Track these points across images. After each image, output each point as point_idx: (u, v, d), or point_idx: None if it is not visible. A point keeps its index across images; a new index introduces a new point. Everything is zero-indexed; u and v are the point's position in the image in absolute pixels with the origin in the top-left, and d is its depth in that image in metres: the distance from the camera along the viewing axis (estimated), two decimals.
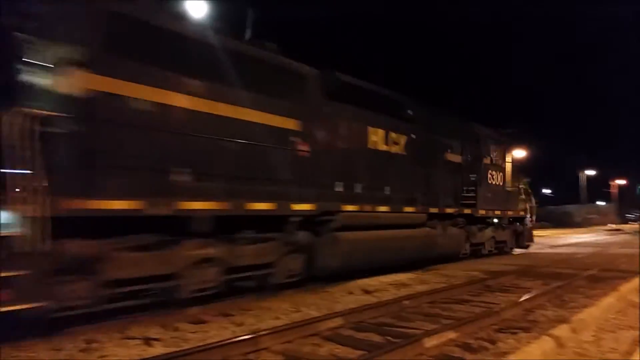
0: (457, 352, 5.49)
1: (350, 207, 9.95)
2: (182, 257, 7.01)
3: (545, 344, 5.32)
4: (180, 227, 6.90)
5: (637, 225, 70.88)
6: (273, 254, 8.51)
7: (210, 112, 7.42)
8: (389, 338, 6.01)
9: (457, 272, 12.19)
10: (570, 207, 67.12)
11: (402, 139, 11.86)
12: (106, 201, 5.97)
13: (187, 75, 7.15)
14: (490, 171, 15.91)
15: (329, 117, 9.86)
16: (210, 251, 7.40)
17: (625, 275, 11.48)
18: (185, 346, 5.52)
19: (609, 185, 73.94)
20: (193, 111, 7.17)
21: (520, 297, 8.60)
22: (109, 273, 6.13)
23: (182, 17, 8.45)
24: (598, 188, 74.52)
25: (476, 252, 15.69)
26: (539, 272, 12.33)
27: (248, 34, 8.74)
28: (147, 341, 5.73)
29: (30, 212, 5.18)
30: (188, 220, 6.97)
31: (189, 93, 7.14)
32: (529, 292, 9.47)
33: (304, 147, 9.03)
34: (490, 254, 16.37)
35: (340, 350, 5.59)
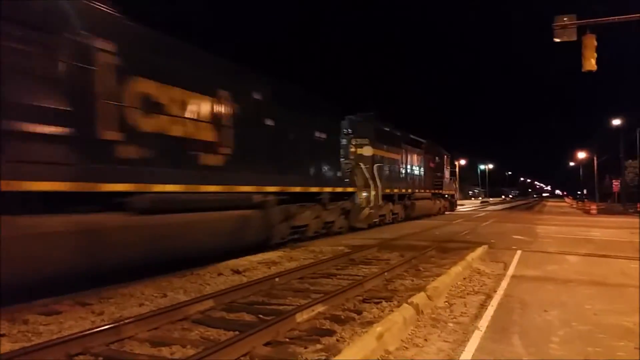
0: (327, 324, 5.67)
1: (417, 190, 25.00)
2: (387, 209, 21.33)
3: (405, 311, 5.70)
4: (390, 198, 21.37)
5: (477, 201, 79.68)
6: (400, 209, 22.90)
7: (388, 156, 21.07)
8: (261, 316, 6.02)
9: (324, 247, 12.60)
10: None
11: (420, 159, 26.19)
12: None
13: (388, 144, 20.93)
14: (444, 170, 31.21)
15: (405, 153, 23.58)
16: (397, 208, 22.69)
17: (470, 245, 12.78)
18: (37, 340, 5.00)
19: None
20: (386, 157, 20.75)
21: (382, 268, 9.15)
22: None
23: (391, 125, 22.78)
24: None
25: (437, 213, 30.18)
26: (396, 245, 13.24)
27: None
28: None
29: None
30: (394, 195, 21.70)
31: (385, 151, 20.51)
32: (388, 263, 10.15)
33: (400, 167, 22.81)
34: (439, 214, 30.56)
35: (211, 332, 5.46)
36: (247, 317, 6.08)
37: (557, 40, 13.81)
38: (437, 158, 29.58)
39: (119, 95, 7.81)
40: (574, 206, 55.55)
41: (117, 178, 7.66)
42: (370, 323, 5.53)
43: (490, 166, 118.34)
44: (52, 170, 6.67)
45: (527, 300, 6.91)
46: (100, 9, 7.81)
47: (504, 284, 8.13)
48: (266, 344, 4.97)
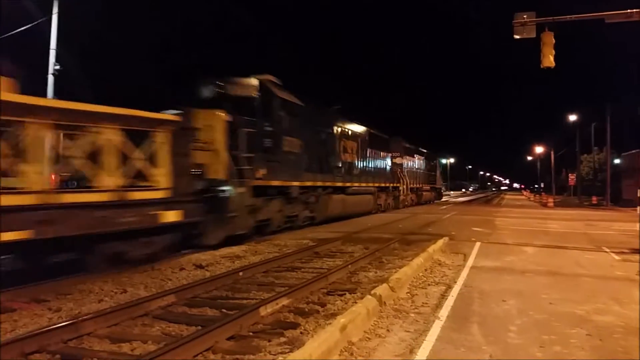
0: (291, 317, 5.69)
1: (423, 185, 37.02)
2: (410, 197, 33.30)
3: (368, 302, 5.76)
4: (412, 190, 34.31)
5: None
6: (415, 197, 35.09)
7: (410, 163, 32.84)
8: (224, 311, 5.97)
9: (289, 241, 12.58)
10: None
11: (424, 164, 37.91)
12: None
13: (409, 155, 32.84)
14: (436, 170, 43.22)
15: (417, 160, 35.46)
16: (414, 196, 35.08)
17: (431, 237, 13.00)
18: None
19: None
20: (409, 163, 32.56)
21: (346, 261, 9.21)
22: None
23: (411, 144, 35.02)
24: None
25: (432, 200, 41.26)
26: (360, 238, 13.34)
27: None
28: None
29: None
30: (414, 188, 34.16)
31: (408, 160, 32.26)
32: (352, 256, 10.22)
33: (415, 169, 35.11)
34: (433, 201, 41.40)
35: (173, 328, 5.39)
36: (210, 312, 6.03)
37: (517, 37, 14.10)
38: (432, 162, 41.57)
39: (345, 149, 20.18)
40: (532, 199, 57.23)
41: (345, 181, 19.03)
42: (334, 315, 5.56)
43: (451, 160, 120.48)
44: (343, 179, 18.97)
45: (486, 291, 7.09)
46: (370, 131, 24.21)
47: (464, 274, 8.32)
48: (229, 338, 4.94)
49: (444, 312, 5.90)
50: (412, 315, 5.87)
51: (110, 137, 7.94)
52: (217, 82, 12.98)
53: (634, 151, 39.53)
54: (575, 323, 5.50)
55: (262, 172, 12.42)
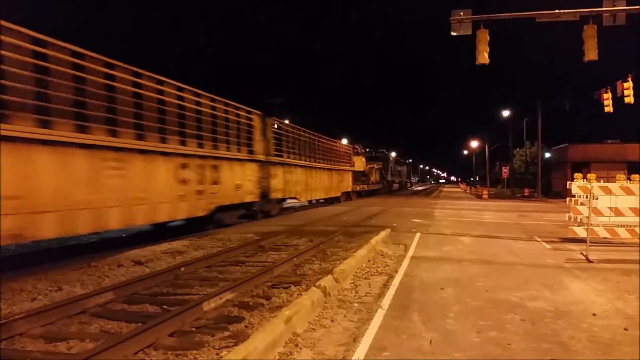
0: (235, 311, 5.65)
1: (406, 180, 77.40)
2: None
3: (313, 294, 5.81)
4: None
5: None
6: (403, 187, 76.54)
7: (401, 169, 70.77)
8: (165, 307, 5.84)
9: (233, 235, 12.45)
10: None
11: (406, 168, 76.83)
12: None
13: (400, 166, 70.21)
14: (406, 170, 77.81)
15: (403, 167, 73.07)
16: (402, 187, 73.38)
17: (374, 229, 13.25)
18: None
19: None
20: (401, 169, 72.64)
21: (291, 254, 9.22)
22: None
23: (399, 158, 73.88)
24: None
25: (408, 187, 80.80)
26: (305, 231, 13.41)
27: None
28: None
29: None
30: (405, 182, 79.55)
31: (400, 167, 71.55)
32: (297, 249, 10.25)
33: (405, 172, 77.95)
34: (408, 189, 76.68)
35: (112, 325, 5.23)
36: (151, 309, 5.88)
37: (454, 33, 14.55)
38: (409, 167, 77.35)
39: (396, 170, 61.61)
40: (467, 191, 59.37)
41: (395, 179, 60.44)
42: (279, 308, 5.57)
43: (393, 154, 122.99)
44: (395, 179, 62.06)
45: (425, 280, 7.31)
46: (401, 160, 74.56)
47: (405, 264, 8.55)
48: (171, 335, 4.85)
49: (386, 301, 6.05)
50: (356, 305, 5.97)
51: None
52: (374, 152, 49.30)
53: (562, 145, 41.76)
54: (509, 309, 5.77)
55: (390, 178, 53.07)
